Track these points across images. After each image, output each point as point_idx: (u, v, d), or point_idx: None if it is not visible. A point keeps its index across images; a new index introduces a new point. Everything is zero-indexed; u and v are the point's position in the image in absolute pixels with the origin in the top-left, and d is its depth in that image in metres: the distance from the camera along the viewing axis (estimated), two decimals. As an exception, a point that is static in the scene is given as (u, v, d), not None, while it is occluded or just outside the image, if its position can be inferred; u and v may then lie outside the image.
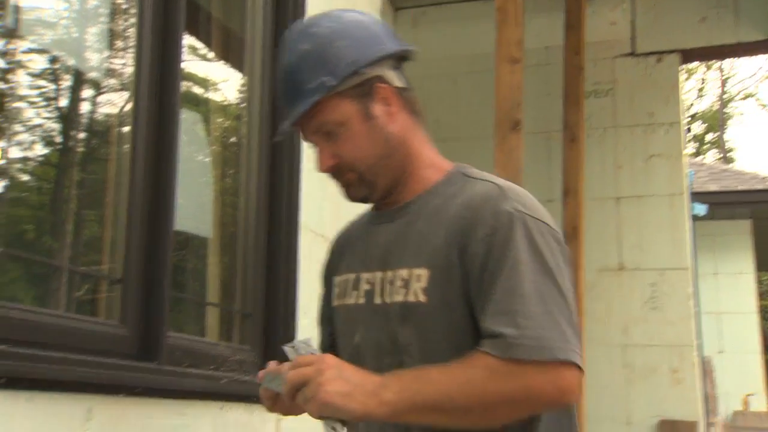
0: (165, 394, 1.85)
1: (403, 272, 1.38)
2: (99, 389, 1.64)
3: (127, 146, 1.91)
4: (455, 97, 5.01)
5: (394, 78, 1.44)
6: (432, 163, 1.47)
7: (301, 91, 1.39)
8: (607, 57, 4.85)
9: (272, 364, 1.39)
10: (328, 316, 1.57)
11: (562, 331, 1.27)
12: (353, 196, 1.46)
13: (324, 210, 2.76)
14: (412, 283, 1.36)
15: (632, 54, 4.85)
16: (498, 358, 1.25)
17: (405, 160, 1.44)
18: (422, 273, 1.35)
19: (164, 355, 1.83)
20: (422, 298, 1.35)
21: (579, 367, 1.27)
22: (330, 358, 1.28)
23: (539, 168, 4.61)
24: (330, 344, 1.57)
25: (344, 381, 1.25)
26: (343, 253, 1.55)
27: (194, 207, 2.73)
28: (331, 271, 1.57)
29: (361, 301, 1.44)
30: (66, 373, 1.56)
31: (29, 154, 2.77)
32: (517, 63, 3.00)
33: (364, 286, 1.44)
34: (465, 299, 1.34)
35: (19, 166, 2.70)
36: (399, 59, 1.47)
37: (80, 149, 2.83)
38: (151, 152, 1.89)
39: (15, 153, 2.64)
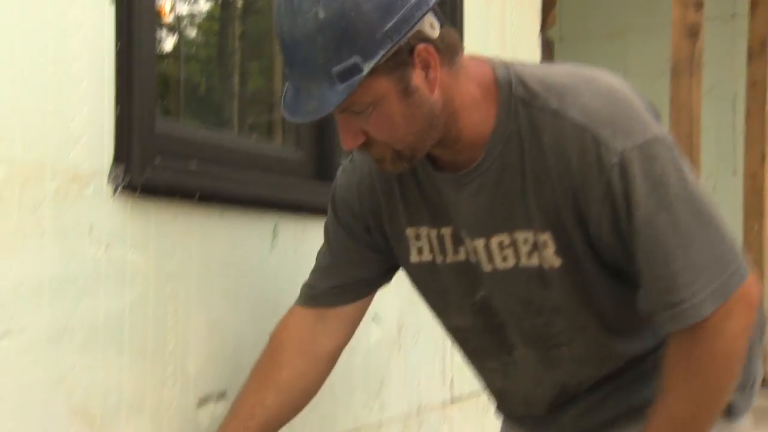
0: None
1: (526, 235, 1.26)
2: (283, 207, 1.72)
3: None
4: None
5: (433, 24, 1.16)
6: (477, 101, 1.23)
7: (325, 73, 1.11)
8: None
9: None
10: (357, 257, 1.44)
11: (719, 257, 1.19)
12: (388, 170, 1.26)
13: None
14: (540, 248, 1.26)
15: None
16: (682, 330, 1.20)
17: (450, 119, 1.21)
18: (546, 238, 1.25)
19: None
20: (554, 262, 1.26)
21: (749, 276, 1.21)
22: None
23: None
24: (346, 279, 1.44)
25: None
26: (386, 202, 1.37)
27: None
28: (369, 216, 1.40)
29: (474, 259, 1.32)
30: (254, 191, 1.64)
31: (194, 10, 2.85)
32: None
33: (470, 246, 1.31)
34: (594, 258, 1.25)
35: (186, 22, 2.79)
36: None
37: (240, 2, 2.88)
38: None
39: (182, 9, 2.74)
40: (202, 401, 1.52)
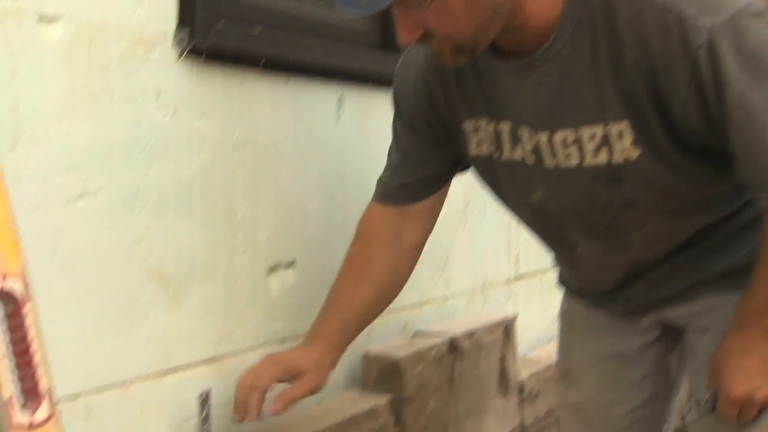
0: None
1: (593, 130, 1.19)
2: (348, 77, 1.69)
3: None
4: None
5: None
6: None
7: None
8: None
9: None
10: (425, 154, 1.41)
11: None
12: (447, 64, 1.20)
13: None
14: (613, 141, 1.18)
15: None
16: None
17: (515, 5, 1.13)
18: (622, 127, 1.17)
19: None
20: (631, 154, 1.18)
21: None
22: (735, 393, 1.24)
23: None
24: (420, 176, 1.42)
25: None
26: (444, 95, 1.33)
27: None
28: (429, 111, 1.36)
29: (530, 159, 1.26)
30: (319, 60, 1.61)
31: None
32: None
33: (528, 144, 1.25)
34: (675, 144, 1.17)
35: None
36: None
37: None
38: None
39: None
40: (272, 269, 1.54)
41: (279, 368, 1.34)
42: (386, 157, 1.45)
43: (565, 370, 1.60)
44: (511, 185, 1.34)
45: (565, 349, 1.61)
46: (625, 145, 1.19)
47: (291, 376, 1.35)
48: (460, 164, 1.46)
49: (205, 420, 1.29)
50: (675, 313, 1.41)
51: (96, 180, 1.19)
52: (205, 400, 1.29)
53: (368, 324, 1.47)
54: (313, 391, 1.37)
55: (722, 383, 1.25)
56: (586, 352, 1.55)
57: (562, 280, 1.57)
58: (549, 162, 1.25)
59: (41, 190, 1.12)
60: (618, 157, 1.20)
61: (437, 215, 1.50)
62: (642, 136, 1.17)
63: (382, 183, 1.46)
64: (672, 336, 1.49)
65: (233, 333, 1.45)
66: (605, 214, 1.27)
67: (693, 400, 1.30)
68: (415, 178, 1.43)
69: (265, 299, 1.53)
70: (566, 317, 1.60)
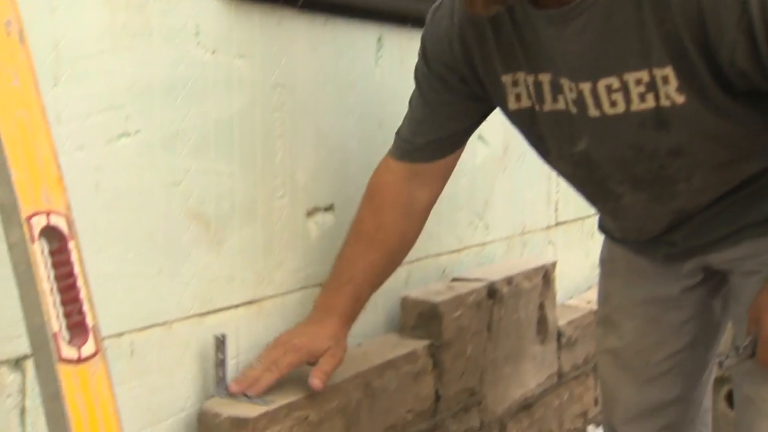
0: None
1: (639, 75, 1.15)
2: (387, 18, 1.66)
3: None
4: None
5: None
6: None
7: None
8: None
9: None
10: (458, 109, 1.39)
11: None
12: (479, 14, 1.18)
13: None
14: (659, 86, 1.14)
15: None
16: None
17: None
18: (667, 73, 1.13)
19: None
20: (677, 99, 1.14)
21: None
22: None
23: None
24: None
25: None
26: (479, 49, 1.29)
27: None
28: (463, 66, 1.33)
29: (573, 109, 1.23)
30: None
31: None
32: None
33: (570, 95, 1.21)
34: (722, 88, 1.13)
35: None
36: None
37: None
38: None
39: None
40: (311, 212, 1.54)
41: (297, 356, 1.34)
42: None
43: (605, 315, 1.59)
44: (553, 137, 1.31)
45: (605, 294, 1.60)
46: (670, 91, 1.15)
47: (310, 361, 1.35)
48: (486, 117, 1.44)
49: (220, 364, 1.30)
50: (718, 258, 1.39)
51: (136, 119, 1.18)
52: (221, 344, 1.30)
53: (374, 292, 1.48)
54: (340, 363, 1.38)
55: (762, 329, 1.23)
56: (627, 297, 1.54)
57: (603, 228, 1.54)
58: (593, 111, 1.22)
59: (82, 129, 1.11)
60: (665, 102, 1.17)
61: (449, 176, 1.48)
62: (687, 82, 1.14)
63: (403, 138, 1.43)
64: (716, 280, 1.46)
65: (272, 276, 1.45)
66: (652, 163, 1.24)
67: (733, 346, 1.28)
68: (443, 134, 1.41)
69: (304, 242, 1.52)
70: (607, 263, 1.59)
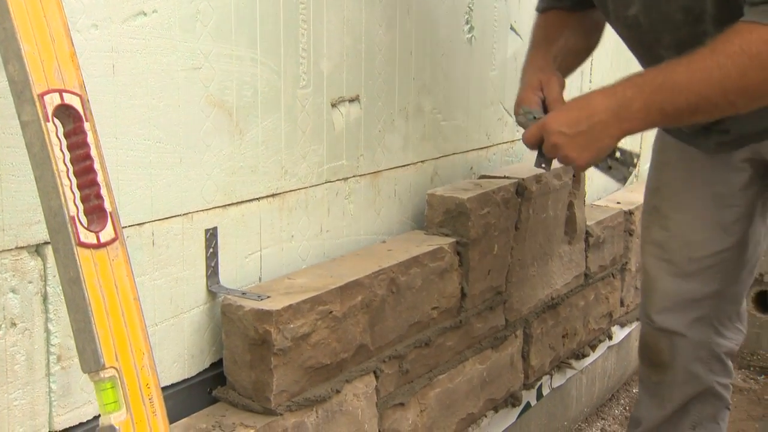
0: None
1: None
2: None
3: None
4: None
5: None
6: None
7: None
8: None
9: (527, 93, 1.38)
10: None
11: None
12: None
13: None
14: None
15: None
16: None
17: None
18: None
19: None
20: None
21: None
22: (549, 125, 1.26)
23: None
24: None
25: (573, 140, 1.24)
26: None
27: None
28: None
29: None
30: None
31: None
32: None
33: None
34: None
35: None
36: None
37: None
38: None
39: None
40: (335, 103, 1.47)
41: (539, 95, 1.40)
42: None
43: (654, 206, 1.59)
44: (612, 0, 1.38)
45: (655, 186, 1.60)
46: None
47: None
48: None
49: (212, 257, 1.26)
50: None
51: (153, -2, 1.12)
52: (212, 237, 1.26)
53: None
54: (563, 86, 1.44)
55: None
56: (680, 189, 1.53)
57: None
58: None
59: (97, 5, 1.05)
60: None
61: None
62: None
63: None
64: (764, 181, 1.44)
65: (296, 168, 1.40)
66: (697, 27, 1.27)
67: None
68: None
69: (329, 134, 1.47)
70: (659, 153, 1.59)
